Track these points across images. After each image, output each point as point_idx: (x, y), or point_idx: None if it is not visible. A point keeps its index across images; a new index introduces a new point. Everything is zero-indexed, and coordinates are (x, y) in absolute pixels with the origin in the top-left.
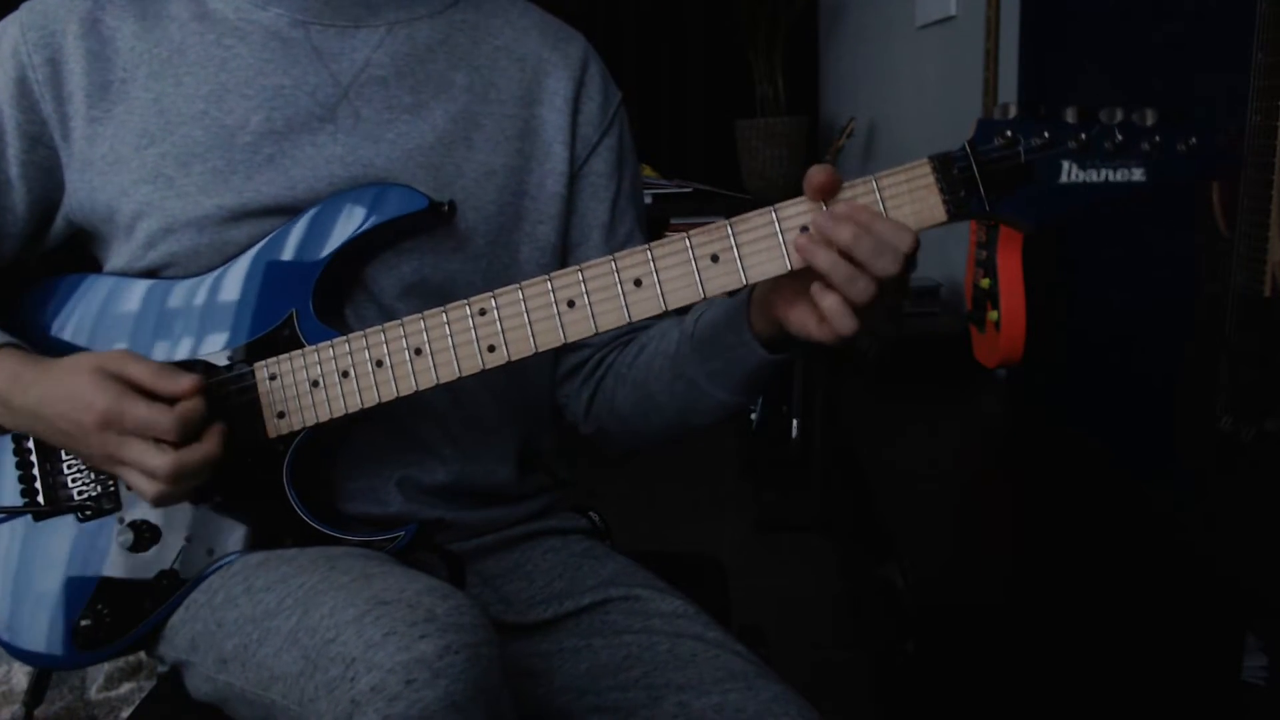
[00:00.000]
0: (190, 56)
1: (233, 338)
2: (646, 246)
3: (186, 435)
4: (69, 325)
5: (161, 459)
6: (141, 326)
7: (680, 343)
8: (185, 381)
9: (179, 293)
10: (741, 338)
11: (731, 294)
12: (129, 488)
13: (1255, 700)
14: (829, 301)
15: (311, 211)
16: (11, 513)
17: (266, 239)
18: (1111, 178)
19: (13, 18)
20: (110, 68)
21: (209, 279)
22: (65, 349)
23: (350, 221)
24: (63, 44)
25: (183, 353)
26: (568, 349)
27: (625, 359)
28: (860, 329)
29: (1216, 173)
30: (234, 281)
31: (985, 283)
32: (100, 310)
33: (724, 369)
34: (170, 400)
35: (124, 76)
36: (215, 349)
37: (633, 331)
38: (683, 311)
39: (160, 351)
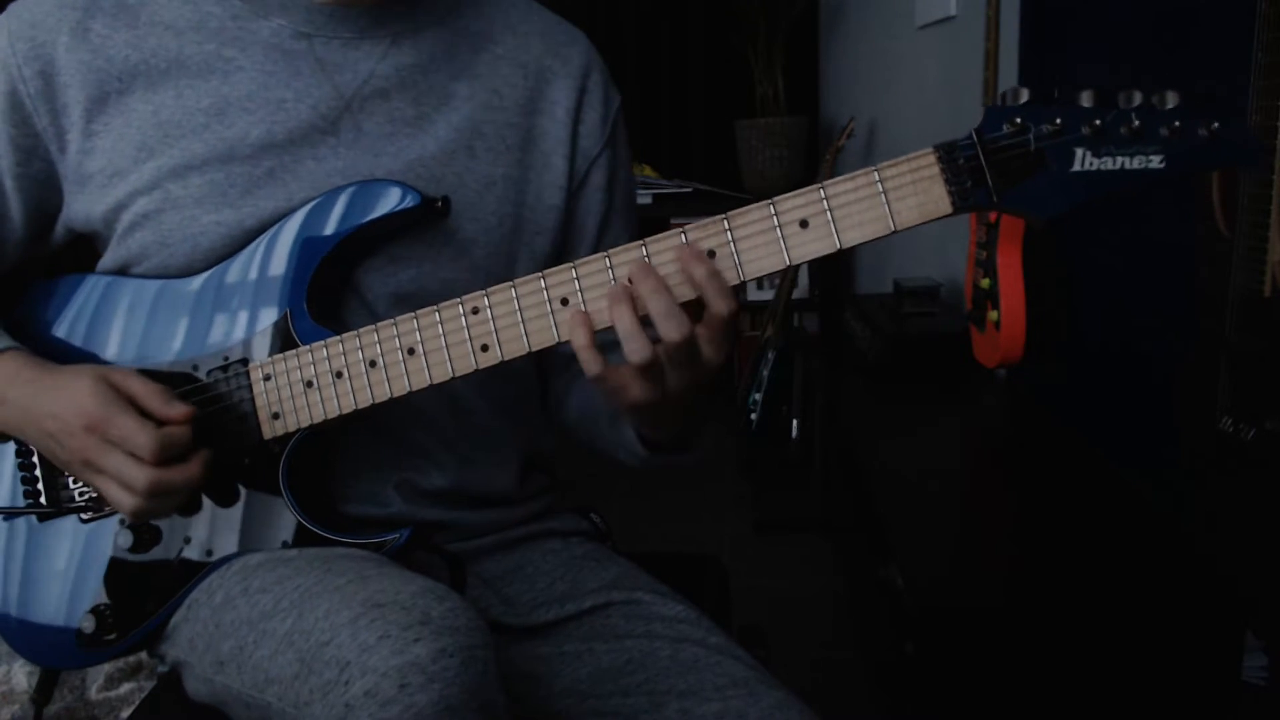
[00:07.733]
0: (190, 68)
1: (227, 338)
2: (641, 242)
3: (166, 457)
4: (66, 325)
5: (140, 472)
6: (137, 327)
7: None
8: (178, 410)
9: (174, 293)
10: (623, 438)
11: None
12: (105, 499)
13: (1255, 700)
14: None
15: (306, 208)
16: (13, 513)
17: (260, 239)
18: (1128, 165)
19: None
20: (105, 79)
21: (203, 279)
22: (62, 348)
23: (345, 218)
24: (54, 56)
25: (178, 353)
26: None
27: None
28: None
29: (1241, 161)
30: (228, 282)
31: (985, 283)
32: (96, 310)
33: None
34: (160, 422)
35: (120, 88)
36: (211, 350)
37: None
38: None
39: (154, 352)
